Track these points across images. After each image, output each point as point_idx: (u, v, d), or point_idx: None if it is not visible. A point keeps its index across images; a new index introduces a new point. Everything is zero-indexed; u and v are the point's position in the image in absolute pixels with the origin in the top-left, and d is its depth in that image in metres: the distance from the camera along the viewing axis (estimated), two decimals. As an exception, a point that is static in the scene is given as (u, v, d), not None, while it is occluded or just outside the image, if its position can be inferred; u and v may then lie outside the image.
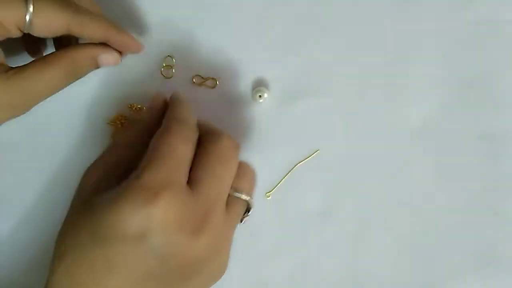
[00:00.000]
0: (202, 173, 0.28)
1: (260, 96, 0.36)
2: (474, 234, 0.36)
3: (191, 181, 0.28)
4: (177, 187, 0.26)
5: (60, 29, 0.30)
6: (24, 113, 0.31)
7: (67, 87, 0.32)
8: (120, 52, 0.33)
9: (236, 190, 0.30)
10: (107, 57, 0.33)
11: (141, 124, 0.31)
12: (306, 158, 0.36)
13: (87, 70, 0.33)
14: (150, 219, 0.25)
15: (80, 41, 0.35)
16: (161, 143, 0.28)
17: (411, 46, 0.37)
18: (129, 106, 0.37)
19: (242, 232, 0.36)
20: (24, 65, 0.30)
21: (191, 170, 0.28)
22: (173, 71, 0.37)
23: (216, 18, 0.37)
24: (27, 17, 0.29)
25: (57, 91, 0.31)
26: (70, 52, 0.31)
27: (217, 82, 0.37)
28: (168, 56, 0.37)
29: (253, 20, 0.37)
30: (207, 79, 0.37)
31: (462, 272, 0.36)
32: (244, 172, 0.31)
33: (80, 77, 0.32)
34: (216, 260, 0.29)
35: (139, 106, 0.37)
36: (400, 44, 0.37)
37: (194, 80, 0.37)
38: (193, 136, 0.29)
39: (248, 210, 0.32)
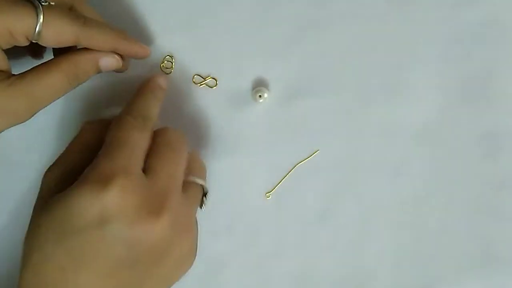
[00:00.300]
0: (154, 160, 0.29)
1: (260, 96, 0.36)
2: (474, 234, 0.36)
3: (146, 169, 0.28)
4: (130, 172, 0.27)
5: (68, 40, 0.30)
6: (26, 120, 0.31)
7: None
8: (122, 57, 0.33)
9: (190, 175, 0.31)
10: (108, 60, 0.33)
11: (98, 124, 0.31)
12: (306, 158, 0.36)
13: (89, 74, 0.32)
14: (106, 204, 0.26)
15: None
16: (114, 132, 0.29)
17: (411, 46, 0.37)
18: (129, 106, 0.37)
19: (243, 232, 0.36)
20: (26, 71, 0.30)
21: (144, 161, 0.29)
22: (173, 71, 0.37)
23: (216, 18, 0.37)
24: (37, 28, 0.29)
25: (59, 97, 0.31)
26: (72, 57, 0.31)
27: (217, 82, 0.37)
28: (168, 56, 0.37)
29: (253, 20, 0.37)
30: (207, 78, 0.37)
31: (462, 272, 0.36)
32: (194, 160, 0.33)
33: (82, 82, 0.32)
34: (182, 242, 0.29)
35: (138, 106, 0.37)
36: (400, 44, 0.37)
37: (194, 79, 0.37)
38: (148, 126, 0.30)
39: (205, 195, 0.33)
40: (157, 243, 0.27)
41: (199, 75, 0.37)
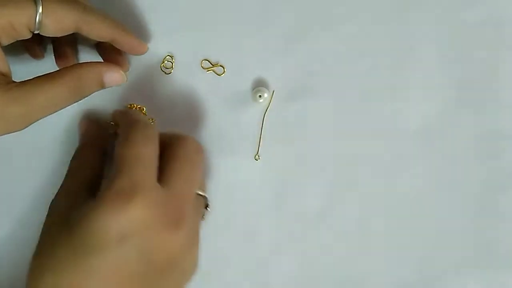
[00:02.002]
0: (173, 174, 0.29)
1: (260, 96, 0.36)
2: (474, 234, 0.36)
3: (163, 181, 0.28)
4: (149, 187, 0.27)
5: (69, 27, 0.31)
6: (22, 129, 0.30)
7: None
8: (122, 57, 0.34)
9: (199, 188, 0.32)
10: (112, 75, 0.32)
11: (90, 145, 0.34)
12: (269, 105, 0.36)
13: (92, 90, 0.32)
14: (129, 220, 0.26)
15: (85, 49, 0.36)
16: (124, 150, 0.28)
17: (411, 46, 0.37)
18: (129, 106, 0.37)
19: (243, 232, 0.36)
20: (28, 79, 0.30)
21: (161, 170, 0.29)
22: (172, 71, 0.37)
23: (216, 18, 0.37)
24: (37, 18, 0.29)
25: (59, 109, 0.31)
26: (76, 70, 0.31)
27: (225, 70, 0.37)
28: (168, 55, 0.37)
29: (253, 20, 0.37)
30: (215, 65, 0.37)
31: (462, 272, 0.36)
32: None
33: (84, 97, 0.32)
34: (190, 254, 0.30)
35: (139, 106, 0.37)
36: (400, 44, 0.37)
37: (202, 65, 0.37)
38: (153, 135, 0.30)
39: (206, 206, 0.33)
40: (173, 255, 0.28)
41: (206, 62, 0.37)
